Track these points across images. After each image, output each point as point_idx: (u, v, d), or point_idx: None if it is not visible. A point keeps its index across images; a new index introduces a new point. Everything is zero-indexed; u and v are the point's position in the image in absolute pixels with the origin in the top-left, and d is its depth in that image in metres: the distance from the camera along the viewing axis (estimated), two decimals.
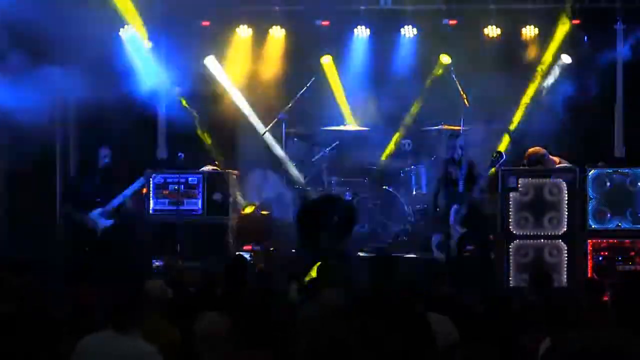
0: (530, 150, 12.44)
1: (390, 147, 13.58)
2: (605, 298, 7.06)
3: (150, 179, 11.36)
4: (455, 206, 10.30)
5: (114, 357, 5.36)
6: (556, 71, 13.16)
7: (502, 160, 10.45)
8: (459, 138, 10.42)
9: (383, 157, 13.49)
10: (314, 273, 10.50)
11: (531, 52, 13.25)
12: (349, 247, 10.77)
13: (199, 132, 13.27)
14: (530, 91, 13.23)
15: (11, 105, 12.06)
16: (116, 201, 10.67)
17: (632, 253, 11.12)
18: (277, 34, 13.43)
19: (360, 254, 12.12)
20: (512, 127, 12.69)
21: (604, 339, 5.47)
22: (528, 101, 13.22)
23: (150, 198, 11.90)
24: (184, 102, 13.19)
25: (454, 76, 13.04)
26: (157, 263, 11.53)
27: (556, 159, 12.27)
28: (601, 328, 5.70)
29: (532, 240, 11.18)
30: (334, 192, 12.60)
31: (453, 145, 10.32)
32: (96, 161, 10.73)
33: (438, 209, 10.73)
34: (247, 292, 7.00)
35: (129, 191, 10.72)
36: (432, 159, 13.11)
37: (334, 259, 10.39)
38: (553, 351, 5.47)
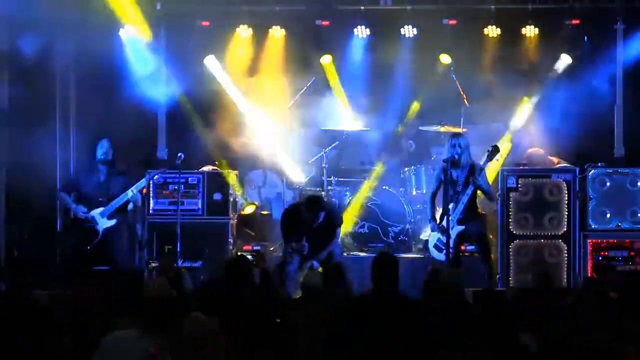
0: (529, 150, 12.47)
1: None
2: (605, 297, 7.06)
3: (152, 179, 11.34)
4: (452, 204, 10.26)
5: (130, 356, 5.35)
6: (555, 72, 13.16)
7: (498, 155, 10.44)
8: (459, 138, 10.38)
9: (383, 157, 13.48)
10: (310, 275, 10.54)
11: (531, 52, 13.24)
12: (338, 248, 10.75)
13: (199, 132, 13.27)
14: (529, 92, 13.22)
15: (11, 104, 12.10)
16: (118, 201, 10.61)
17: (632, 253, 11.14)
18: (277, 34, 13.42)
19: (360, 254, 12.14)
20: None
21: (604, 339, 5.47)
22: (527, 102, 13.22)
23: (150, 198, 11.92)
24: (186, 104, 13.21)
25: (454, 76, 13.04)
26: (154, 264, 11.52)
27: (554, 159, 12.29)
28: (601, 328, 5.70)
29: (532, 240, 11.20)
30: (333, 198, 12.59)
31: (452, 144, 10.30)
32: (95, 155, 10.66)
33: (437, 209, 10.70)
34: (247, 292, 6.99)
35: (130, 192, 10.65)
36: (432, 158, 13.13)
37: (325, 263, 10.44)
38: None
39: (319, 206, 10.43)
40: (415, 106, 13.49)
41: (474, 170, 10.22)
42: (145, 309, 5.48)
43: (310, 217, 10.35)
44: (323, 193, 12.69)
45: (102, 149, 10.63)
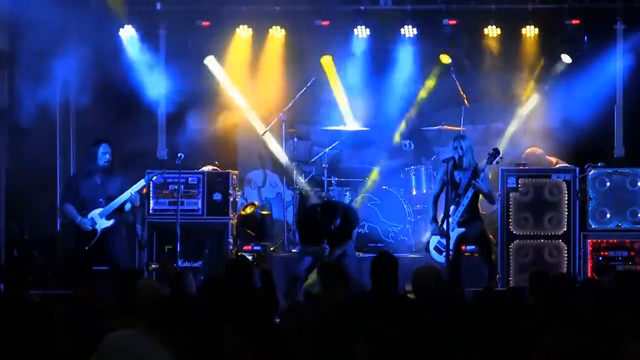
0: (528, 150, 12.47)
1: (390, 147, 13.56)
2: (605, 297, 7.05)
3: (151, 180, 11.32)
4: (453, 206, 10.25)
5: (130, 356, 5.34)
6: (555, 72, 13.16)
7: (498, 158, 10.45)
8: (462, 140, 10.38)
9: (382, 158, 13.48)
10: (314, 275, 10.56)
11: (531, 52, 13.24)
12: (352, 248, 10.78)
13: (199, 132, 13.27)
14: (529, 92, 13.22)
15: (11, 104, 12.11)
16: (116, 202, 10.59)
17: (632, 253, 11.14)
18: (277, 34, 13.42)
19: (360, 254, 12.14)
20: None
21: (603, 339, 5.47)
22: (526, 102, 13.22)
23: (150, 198, 11.91)
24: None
25: (453, 76, 13.04)
26: (154, 265, 11.51)
27: (553, 159, 12.29)
28: (600, 328, 5.70)
29: (532, 240, 11.20)
30: (334, 198, 12.58)
31: (454, 146, 10.31)
32: (96, 160, 10.62)
33: (437, 210, 10.70)
34: (247, 292, 6.99)
35: (129, 192, 10.63)
36: (432, 158, 13.13)
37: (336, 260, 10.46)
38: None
39: (335, 212, 10.49)
40: (415, 106, 13.49)
41: (477, 174, 10.23)
42: (138, 309, 5.49)
43: (326, 222, 10.40)
44: (331, 194, 12.67)
45: (105, 155, 10.55)
